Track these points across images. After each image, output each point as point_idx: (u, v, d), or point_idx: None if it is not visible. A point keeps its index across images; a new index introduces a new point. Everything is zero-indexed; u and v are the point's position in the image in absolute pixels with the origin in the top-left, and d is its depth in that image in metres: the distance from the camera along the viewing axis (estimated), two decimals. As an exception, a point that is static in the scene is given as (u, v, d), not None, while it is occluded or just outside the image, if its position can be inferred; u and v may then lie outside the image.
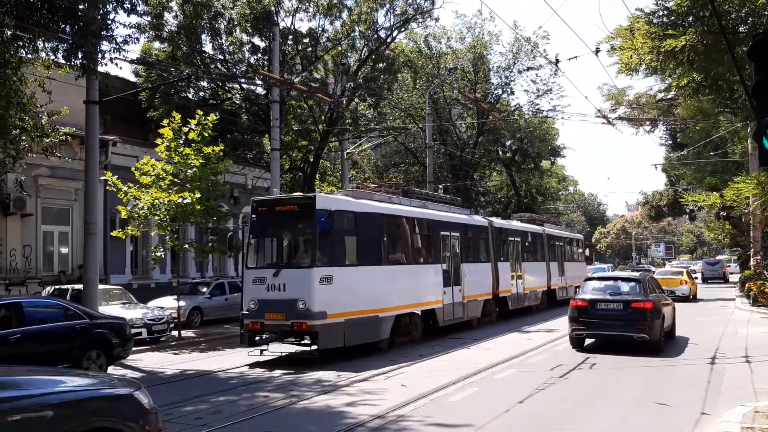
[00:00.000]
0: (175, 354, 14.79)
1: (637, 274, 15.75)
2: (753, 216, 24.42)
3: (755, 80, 6.60)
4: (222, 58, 24.41)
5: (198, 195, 15.93)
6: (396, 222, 14.97)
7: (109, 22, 11.16)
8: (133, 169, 16.61)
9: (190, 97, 24.48)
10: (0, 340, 9.89)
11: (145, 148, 21.42)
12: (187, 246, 17.67)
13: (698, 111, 24.24)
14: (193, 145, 16.29)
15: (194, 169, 16.16)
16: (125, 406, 4.56)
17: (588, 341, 13.70)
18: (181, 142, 16.36)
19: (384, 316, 13.49)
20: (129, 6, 11.70)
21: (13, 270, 17.82)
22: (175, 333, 16.87)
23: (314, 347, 12.23)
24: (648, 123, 32.97)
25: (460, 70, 35.17)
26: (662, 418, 7.74)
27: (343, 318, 12.32)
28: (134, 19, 14.76)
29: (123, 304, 16.31)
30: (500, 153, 40.84)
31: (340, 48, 26.15)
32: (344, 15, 25.50)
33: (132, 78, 24.30)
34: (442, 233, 16.47)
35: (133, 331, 14.83)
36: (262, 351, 12.54)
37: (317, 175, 27.65)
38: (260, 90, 24.72)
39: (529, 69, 36.78)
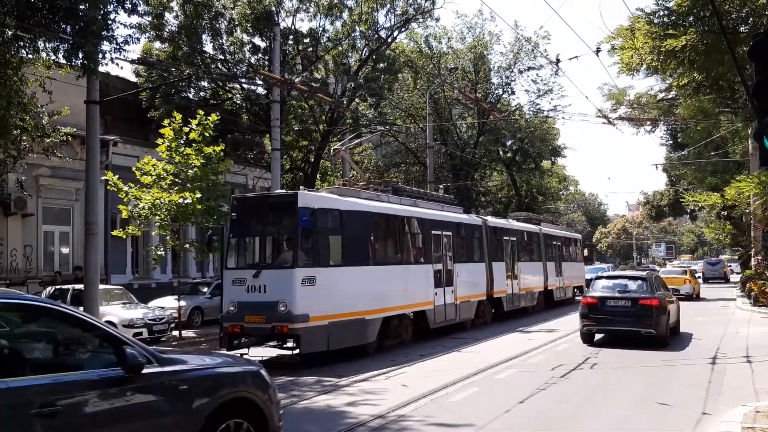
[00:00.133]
0: (176, 354, 14.76)
1: (644, 273, 16.50)
2: (754, 216, 24.41)
3: (756, 80, 6.60)
4: (222, 58, 24.43)
5: (199, 195, 15.93)
6: (384, 220, 14.51)
7: (110, 22, 11.15)
8: (134, 168, 16.61)
9: (191, 97, 24.50)
10: None
11: (145, 148, 21.42)
12: (187, 246, 17.68)
13: (699, 111, 24.19)
14: (194, 145, 16.29)
15: (195, 169, 16.16)
16: (256, 380, 5.47)
17: (594, 339, 13.89)
18: (182, 142, 16.36)
19: (371, 318, 13.02)
20: (130, 6, 11.69)
21: (14, 270, 17.83)
22: (175, 333, 16.87)
23: (296, 351, 11.88)
24: (649, 123, 32.93)
25: (460, 70, 35.17)
26: (663, 417, 7.74)
27: (327, 321, 11.85)
28: (135, 19, 14.78)
29: (124, 304, 16.31)
30: (501, 153, 40.83)
31: (340, 48, 26.17)
32: (345, 15, 25.53)
33: (133, 78, 24.34)
34: (433, 232, 16.04)
35: (134, 331, 14.90)
36: (242, 355, 12.34)
37: (318, 175, 27.65)
38: (261, 90, 24.75)
39: (529, 69, 36.86)
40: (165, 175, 16.21)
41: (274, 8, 23.27)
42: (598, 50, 15.28)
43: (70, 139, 16.05)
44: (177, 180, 16.32)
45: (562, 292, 26.03)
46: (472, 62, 36.27)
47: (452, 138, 37.20)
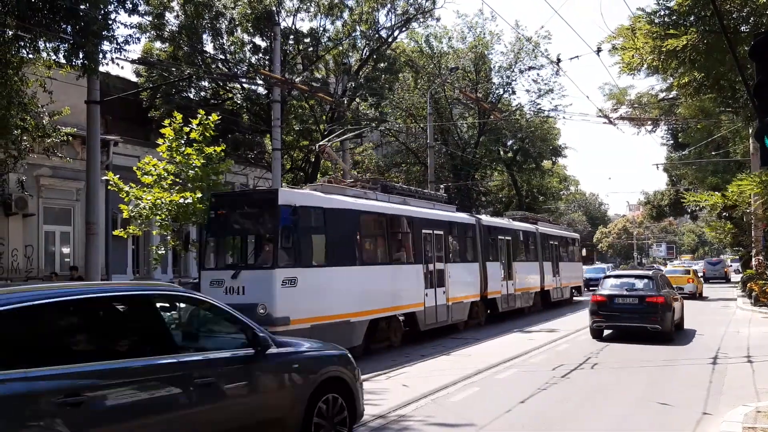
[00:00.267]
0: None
1: (650, 272, 17.30)
2: (755, 215, 24.38)
3: (757, 80, 6.59)
4: (223, 57, 24.45)
5: (199, 195, 15.92)
6: (371, 219, 14.00)
7: (111, 22, 11.16)
8: (134, 168, 16.59)
9: (192, 97, 24.52)
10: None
11: (146, 148, 21.42)
12: (189, 245, 17.66)
13: (700, 111, 24.16)
14: (195, 145, 16.27)
15: (196, 169, 16.13)
16: (345, 360, 6.37)
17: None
18: (183, 142, 16.35)
19: (356, 320, 12.48)
20: (130, 6, 11.70)
21: (14, 270, 17.84)
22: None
23: None
24: (649, 123, 32.87)
25: (461, 70, 35.11)
26: (664, 417, 7.74)
27: (309, 324, 11.28)
28: (135, 19, 14.75)
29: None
30: (501, 153, 40.81)
31: (341, 48, 26.20)
32: (345, 15, 25.55)
33: (133, 78, 24.35)
34: (423, 231, 15.50)
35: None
36: None
37: (318, 175, 27.66)
38: (261, 90, 24.77)
39: (530, 69, 36.83)
40: (166, 175, 16.18)
41: (274, 8, 23.29)
42: (598, 50, 15.26)
43: (70, 139, 16.05)
44: (178, 180, 16.30)
45: (559, 293, 25.56)
46: (473, 62, 36.25)
47: (453, 138, 37.19)
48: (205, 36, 24.00)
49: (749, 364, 11.20)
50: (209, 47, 24.43)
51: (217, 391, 4.91)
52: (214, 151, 16.62)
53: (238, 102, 25.53)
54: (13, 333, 4.12)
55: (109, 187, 16.48)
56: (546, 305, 23.82)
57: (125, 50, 11.64)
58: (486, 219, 20.79)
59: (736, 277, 42.56)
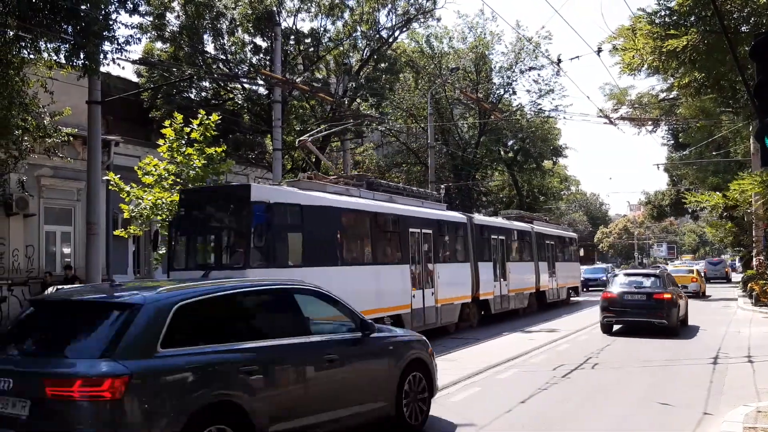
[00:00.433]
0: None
1: (656, 271, 18.55)
2: (755, 215, 24.39)
3: (757, 80, 6.60)
4: (224, 58, 24.47)
5: (200, 195, 15.92)
6: (353, 217, 13.40)
7: (111, 22, 11.15)
8: (135, 168, 16.61)
9: (192, 97, 24.54)
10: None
11: (147, 148, 21.41)
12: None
13: (700, 111, 24.13)
14: (196, 145, 16.29)
15: (197, 170, 16.16)
16: (424, 345, 7.60)
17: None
18: (184, 142, 16.37)
19: None
20: (131, 6, 11.69)
21: (15, 270, 17.84)
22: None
23: None
24: (650, 123, 32.88)
25: (461, 70, 35.11)
26: (664, 417, 7.74)
27: None
28: (136, 19, 14.72)
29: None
30: (502, 153, 40.81)
31: (341, 48, 26.21)
32: (346, 15, 25.58)
33: (134, 78, 24.36)
34: (411, 230, 14.96)
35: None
36: None
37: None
38: (262, 90, 24.79)
39: (531, 69, 36.90)
40: (167, 175, 16.21)
41: (275, 8, 23.31)
42: (599, 50, 15.25)
43: (71, 139, 16.05)
44: (179, 180, 16.33)
45: (555, 294, 25.06)
46: (474, 62, 36.27)
47: (453, 138, 37.21)
48: (205, 36, 24.03)
49: (750, 364, 11.20)
50: (210, 47, 24.48)
51: (340, 364, 6.21)
52: (215, 151, 16.64)
53: (239, 102, 25.55)
54: (195, 319, 5.25)
55: (110, 187, 16.50)
56: (542, 306, 23.34)
57: (126, 50, 11.70)
58: (478, 218, 20.31)
59: (736, 277, 42.54)
